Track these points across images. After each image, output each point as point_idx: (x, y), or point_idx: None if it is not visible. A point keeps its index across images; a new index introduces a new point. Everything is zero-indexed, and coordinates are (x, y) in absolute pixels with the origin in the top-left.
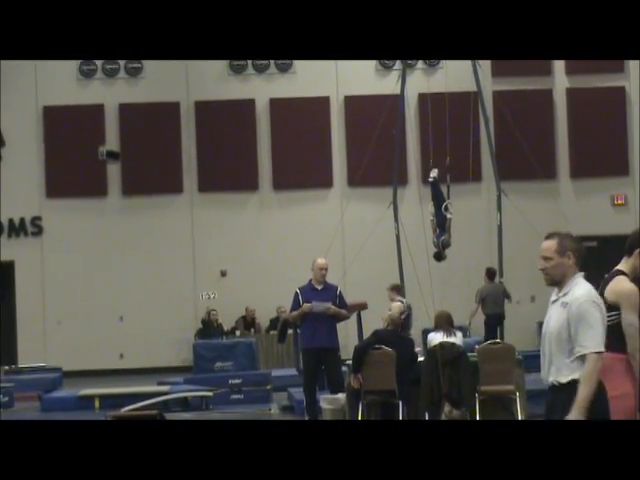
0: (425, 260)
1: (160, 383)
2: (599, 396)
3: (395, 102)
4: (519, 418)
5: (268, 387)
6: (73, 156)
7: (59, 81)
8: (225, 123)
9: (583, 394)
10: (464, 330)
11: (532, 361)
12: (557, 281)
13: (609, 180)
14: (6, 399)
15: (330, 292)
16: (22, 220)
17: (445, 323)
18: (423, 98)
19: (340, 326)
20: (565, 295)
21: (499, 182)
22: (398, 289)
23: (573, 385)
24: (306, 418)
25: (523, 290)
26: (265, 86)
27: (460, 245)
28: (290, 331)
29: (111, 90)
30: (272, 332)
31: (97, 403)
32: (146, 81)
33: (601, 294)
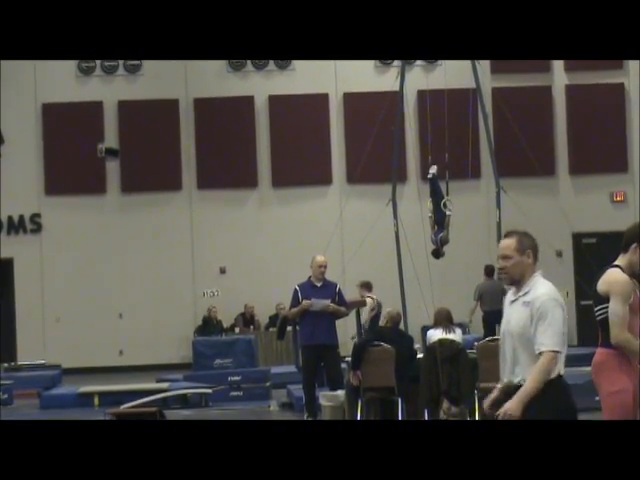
0: (424, 257)
1: (159, 380)
2: (547, 394)
3: (394, 99)
4: None
5: (267, 384)
6: (72, 153)
7: (58, 78)
8: (224, 120)
9: (527, 388)
10: (464, 327)
11: None
12: (517, 280)
13: (608, 177)
14: (5, 396)
15: (329, 289)
16: (21, 217)
17: (444, 320)
18: (422, 95)
19: (339, 323)
20: (526, 294)
21: (498, 179)
22: (368, 286)
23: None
24: (305, 415)
25: None
26: (264, 83)
27: (459, 242)
28: (289, 328)
29: (110, 87)
30: (271, 329)
31: (96, 400)
32: (145, 78)
33: (595, 289)
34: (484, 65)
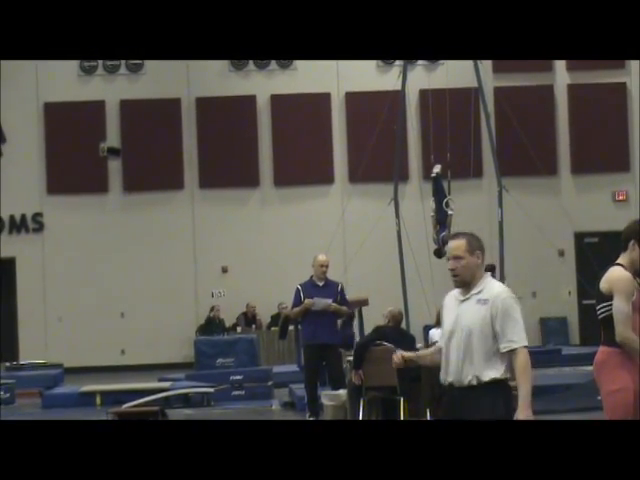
0: (426, 256)
1: (161, 379)
2: (506, 392)
3: (396, 98)
4: None
5: (269, 383)
6: (74, 152)
7: (60, 77)
8: (226, 119)
9: (526, 389)
10: None
11: (533, 357)
12: (467, 281)
13: (610, 176)
14: (7, 395)
15: (331, 289)
16: (23, 216)
17: None
18: (424, 94)
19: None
20: (480, 292)
21: (500, 178)
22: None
23: (495, 384)
24: (307, 414)
25: (524, 286)
26: (266, 82)
27: None
28: (291, 327)
29: (112, 86)
30: (273, 328)
31: (98, 399)
32: (147, 77)
33: (598, 288)
34: (486, 64)
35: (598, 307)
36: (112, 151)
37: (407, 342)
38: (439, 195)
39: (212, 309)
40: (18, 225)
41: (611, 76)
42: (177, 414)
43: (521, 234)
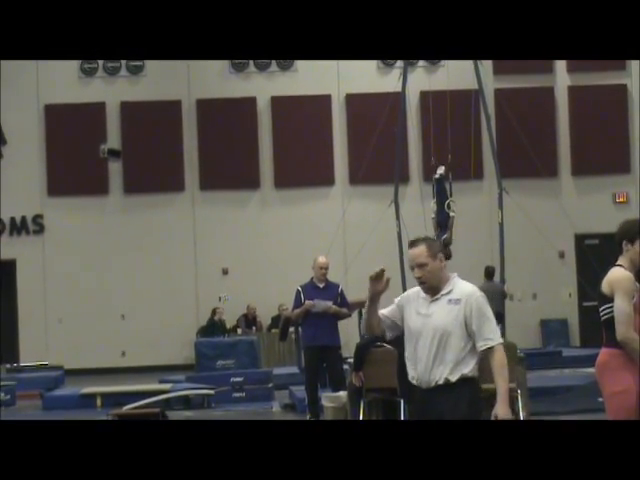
0: None
1: (162, 381)
2: (473, 391)
3: (396, 100)
4: (521, 416)
5: (270, 385)
6: (74, 154)
7: (60, 79)
8: (226, 121)
9: (504, 387)
10: None
11: (534, 359)
12: (435, 286)
13: (611, 178)
14: (8, 397)
15: (332, 290)
16: (23, 218)
17: None
18: (424, 96)
19: (341, 324)
20: (450, 293)
21: (500, 180)
22: None
23: (462, 382)
24: (308, 416)
25: (525, 288)
26: (267, 84)
27: (461, 243)
28: (291, 329)
29: (112, 88)
30: (274, 330)
31: (99, 401)
32: (147, 79)
33: (600, 290)
34: (486, 66)
35: (600, 309)
36: (112, 153)
37: None
38: (441, 197)
39: (215, 312)
40: (18, 227)
41: (611, 78)
42: (177, 416)
43: (521, 236)
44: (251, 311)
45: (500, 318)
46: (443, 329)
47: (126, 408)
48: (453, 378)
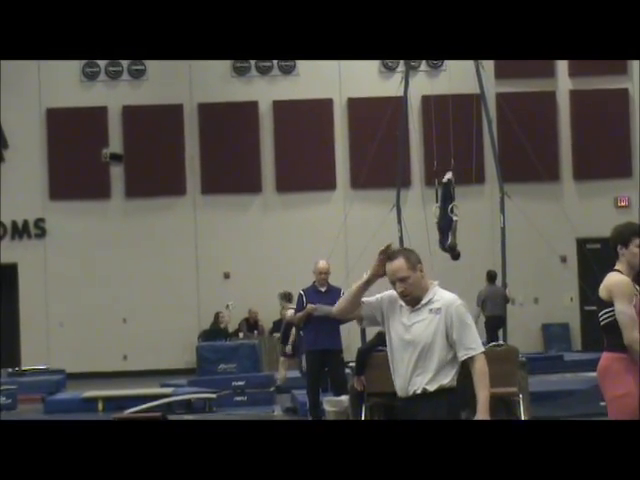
0: (428, 262)
1: (163, 385)
2: (451, 400)
3: (398, 104)
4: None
5: (271, 389)
6: (76, 158)
7: (62, 83)
8: (228, 125)
9: (484, 395)
10: None
11: (535, 363)
12: (418, 297)
13: (612, 182)
14: (9, 401)
15: (334, 295)
16: (25, 222)
17: None
18: (426, 100)
19: (343, 328)
20: (430, 302)
21: (502, 184)
22: (288, 297)
23: (441, 392)
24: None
25: (526, 292)
26: (268, 88)
27: (463, 247)
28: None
29: (114, 92)
30: (275, 334)
31: (100, 405)
32: (149, 83)
33: (598, 295)
34: (488, 70)
35: (599, 314)
36: (114, 157)
37: None
38: (446, 202)
39: (217, 317)
40: (20, 231)
41: (613, 82)
42: (179, 420)
43: (523, 240)
44: (253, 315)
45: (502, 322)
46: (425, 340)
47: (128, 412)
48: (431, 388)
